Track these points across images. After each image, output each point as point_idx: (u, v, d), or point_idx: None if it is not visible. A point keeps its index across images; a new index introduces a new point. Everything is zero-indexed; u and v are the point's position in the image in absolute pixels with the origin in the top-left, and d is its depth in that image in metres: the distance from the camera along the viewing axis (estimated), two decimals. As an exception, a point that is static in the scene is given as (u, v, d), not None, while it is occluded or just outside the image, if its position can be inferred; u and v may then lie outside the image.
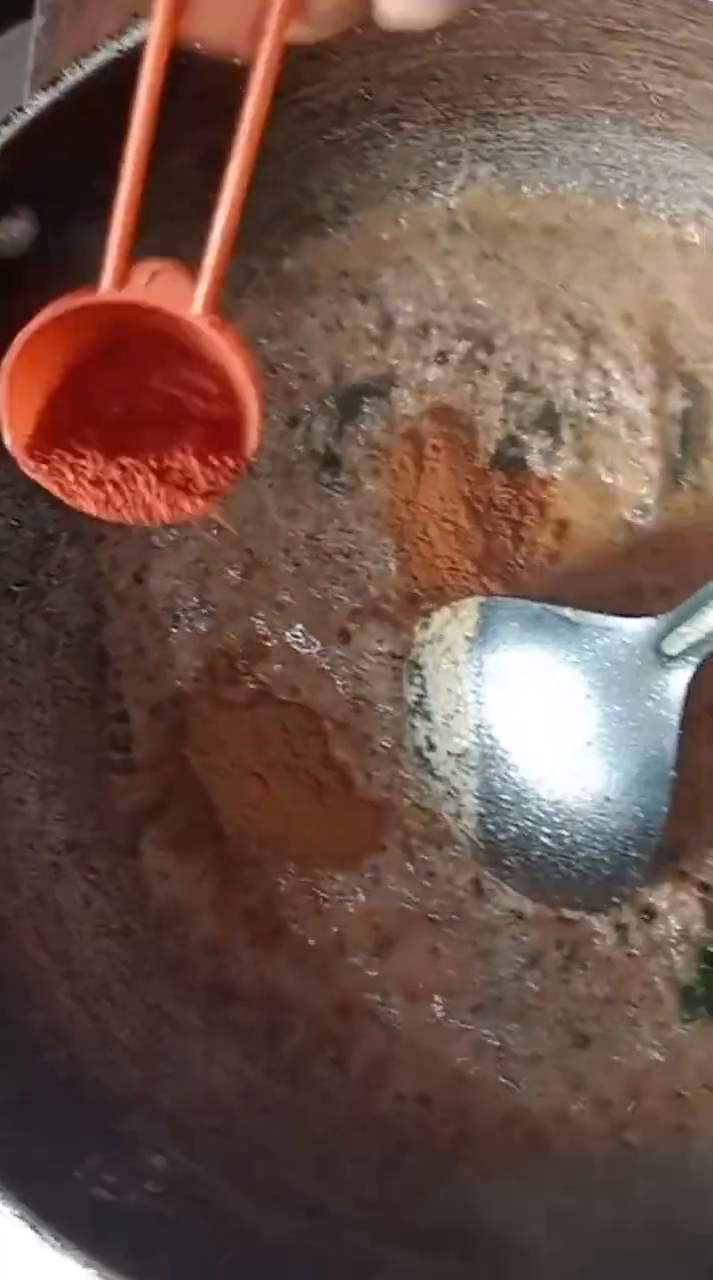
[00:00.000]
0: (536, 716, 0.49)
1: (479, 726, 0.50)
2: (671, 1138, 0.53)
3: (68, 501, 0.40)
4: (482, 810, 0.51)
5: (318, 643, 0.56)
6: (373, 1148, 0.54)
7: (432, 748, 0.52)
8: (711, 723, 0.53)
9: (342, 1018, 0.55)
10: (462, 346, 0.55)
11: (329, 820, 0.56)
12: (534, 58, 0.49)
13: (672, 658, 0.47)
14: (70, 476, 0.40)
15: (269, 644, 0.56)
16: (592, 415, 0.55)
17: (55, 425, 0.40)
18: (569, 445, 0.55)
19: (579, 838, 0.50)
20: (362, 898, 0.56)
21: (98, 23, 0.60)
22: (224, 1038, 0.55)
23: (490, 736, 0.50)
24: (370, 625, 0.55)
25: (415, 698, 0.53)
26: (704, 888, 0.53)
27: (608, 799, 0.48)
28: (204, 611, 0.57)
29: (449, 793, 0.52)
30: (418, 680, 0.52)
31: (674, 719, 0.47)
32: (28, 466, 0.39)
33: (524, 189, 0.55)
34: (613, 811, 0.49)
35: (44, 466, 0.39)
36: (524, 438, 0.55)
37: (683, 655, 0.47)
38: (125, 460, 0.40)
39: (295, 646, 0.56)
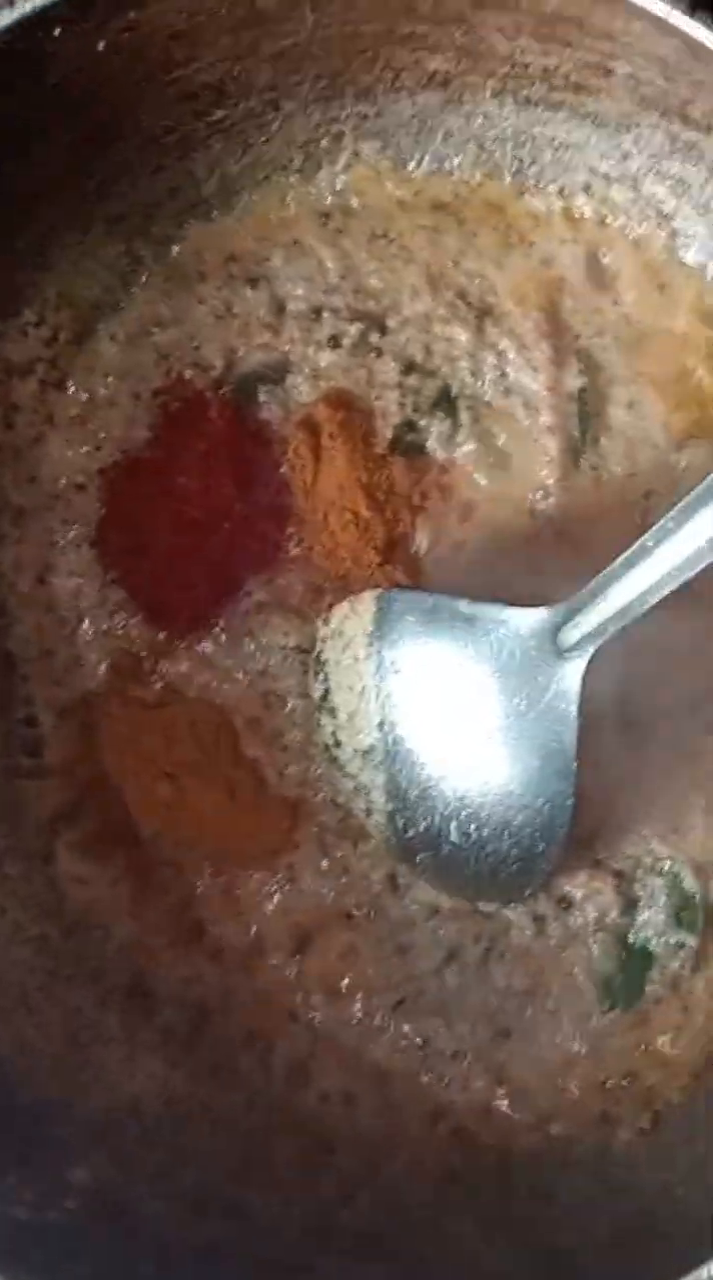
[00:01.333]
0: (437, 711, 0.49)
1: (382, 723, 0.49)
2: (594, 1128, 0.52)
3: None
4: (390, 807, 0.50)
5: (224, 638, 0.54)
6: (298, 1149, 0.54)
7: (339, 744, 0.51)
8: (615, 707, 0.52)
9: (263, 1018, 0.55)
10: (355, 329, 0.54)
11: (243, 819, 0.55)
12: (409, 31, 0.48)
13: (568, 649, 0.46)
14: None
15: (176, 641, 0.55)
16: (489, 396, 0.53)
17: None
18: (468, 428, 0.53)
19: (486, 832, 0.49)
20: (279, 896, 0.55)
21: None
22: (146, 1043, 0.54)
23: (394, 732, 0.49)
24: (275, 619, 0.54)
25: (321, 694, 0.52)
26: (619, 875, 0.52)
27: (512, 792, 0.48)
28: (109, 610, 0.55)
29: (358, 789, 0.51)
30: (322, 676, 0.51)
31: (573, 710, 0.46)
32: None
33: (410, 166, 0.54)
34: (518, 805, 0.48)
35: None
36: (422, 422, 0.54)
37: (578, 646, 0.46)
38: None
39: (202, 644, 0.54)
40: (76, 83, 0.47)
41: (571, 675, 0.46)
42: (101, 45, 0.46)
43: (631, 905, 0.52)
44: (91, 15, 0.44)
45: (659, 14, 0.40)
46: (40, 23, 0.44)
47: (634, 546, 0.43)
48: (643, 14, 0.41)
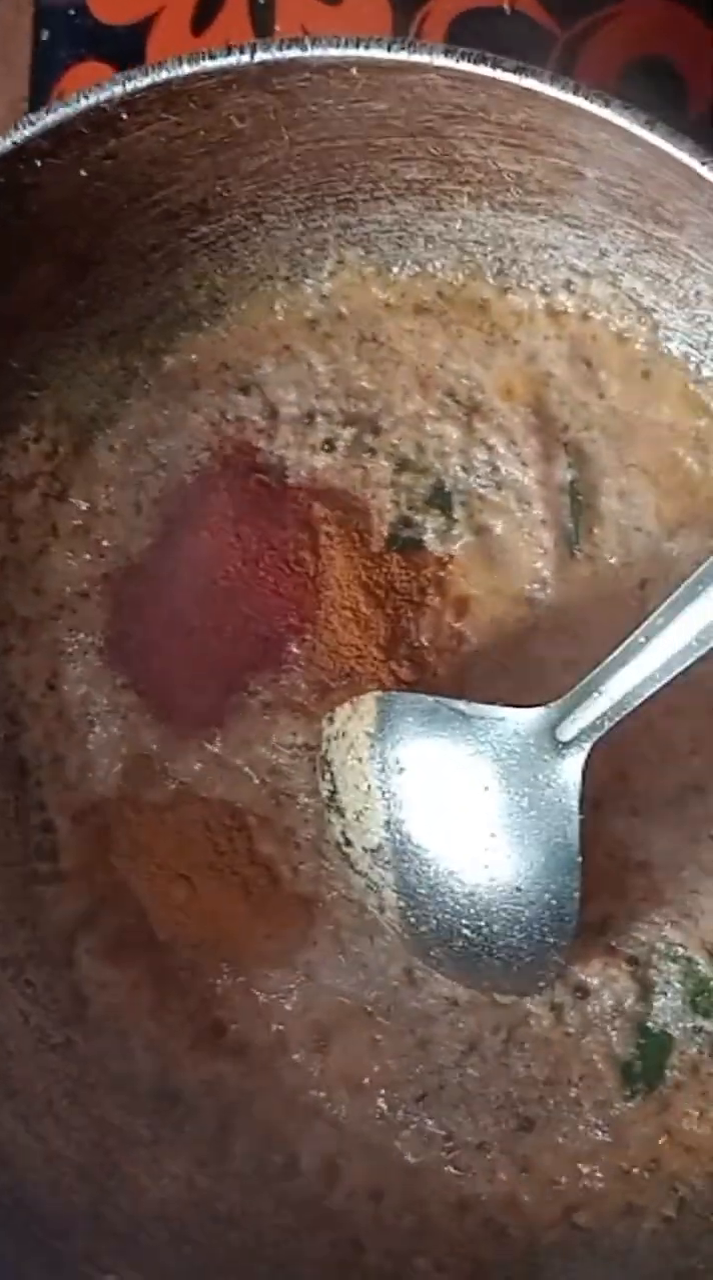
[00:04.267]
0: (441, 810, 0.49)
1: (389, 822, 0.50)
2: (620, 1218, 0.52)
3: None
4: (401, 903, 0.51)
5: (234, 738, 0.55)
6: (328, 1248, 0.54)
7: (349, 843, 0.52)
8: (621, 792, 0.52)
9: (289, 1116, 0.55)
10: (348, 432, 0.55)
11: (258, 918, 0.55)
12: (383, 144, 0.49)
13: (566, 744, 0.47)
14: None
15: (186, 741, 0.56)
16: (481, 491, 0.54)
17: None
18: (463, 522, 0.54)
19: (497, 927, 0.49)
20: (298, 994, 0.55)
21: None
22: (172, 1146, 0.55)
23: (401, 831, 0.50)
24: (282, 717, 0.55)
25: (328, 793, 0.52)
26: (633, 961, 0.53)
27: (519, 889, 0.48)
28: (119, 714, 0.56)
29: (370, 886, 0.52)
30: (328, 776, 0.52)
31: (574, 805, 0.47)
32: None
33: (394, 270, 0.55)
34: (525, 901, 0.48)
35: None
36: (417, 518, 0.55)
37: (576, 741, 0.46)
38: None
39: (213, 744, 0.55)
40: (59, 210, 0.48)
41: (570, 770, 0.46)
42: (83, 173, 0.47)
43: (647, 991, 0.52)
44: (72, 147, 0.45)
45: (623, 124, 0.41)
46: (20, 156, 0.45)
47: (627, 642, 0.44)
48: (606, 125, 0.41)
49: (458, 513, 0.54)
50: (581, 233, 0.51)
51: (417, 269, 0.55)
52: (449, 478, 0.55)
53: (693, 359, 0.53)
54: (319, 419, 0.55)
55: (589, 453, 0.53)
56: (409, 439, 0.55)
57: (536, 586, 0.54)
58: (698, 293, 0.50)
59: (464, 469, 0.54)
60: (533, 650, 0.53)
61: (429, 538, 0.55)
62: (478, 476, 0.54)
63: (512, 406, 0.54)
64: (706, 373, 0.53)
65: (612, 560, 0.53)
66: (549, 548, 0.53)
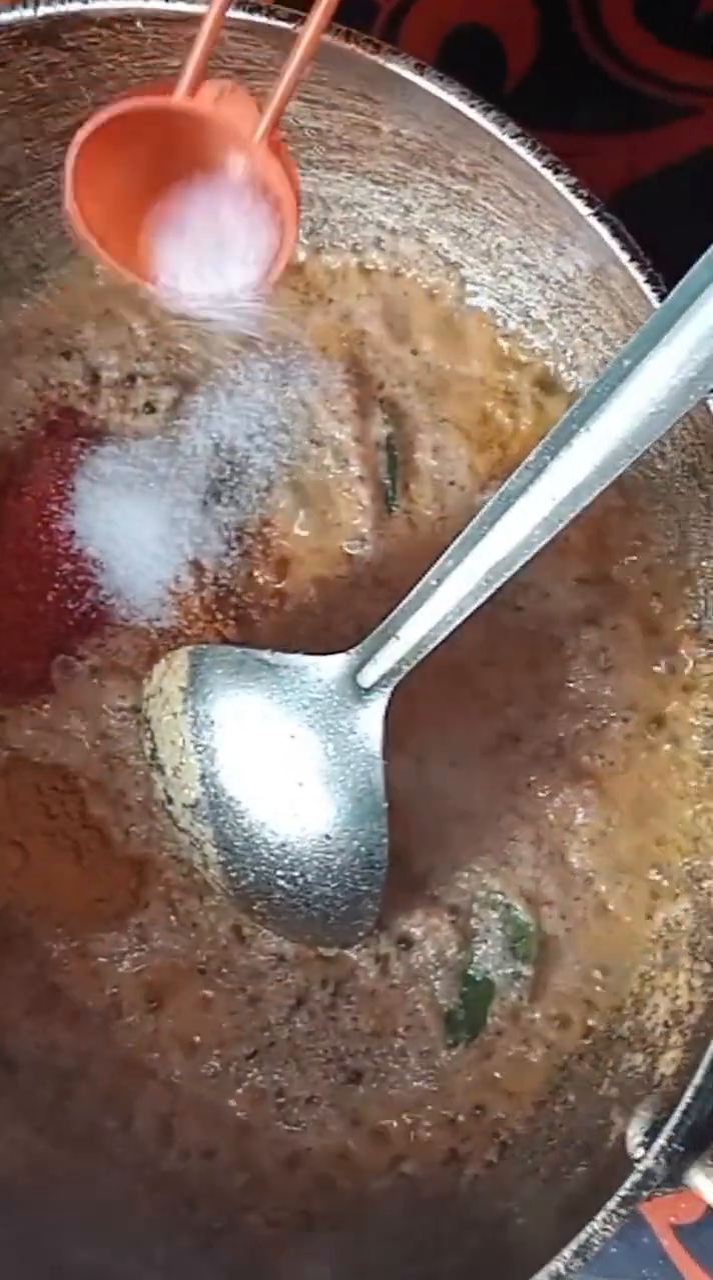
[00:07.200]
0: (253, 761, 0.49)
1: (203, 776, 0.50)
2: (444, 1166, 0.52)
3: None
4: (222, 858, 0.51)
5: (63, 703, 0.55)
6: (161, 1207, 0.54)
7: (170, 800, 0.52)
8: (440, 744, 0.52)
9: (123, 1078, 0.55)
10: (168, 395, 0.55)
11: (91, 881, 0.55)
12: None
13: (367, 690, 0.47)
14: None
15: (16, 708, 0.56)
16: (300, 450, 0.54)
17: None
18: (282, 483, 0.54)
19: (310, 877, 0.49)
20: (131, 956, 0.55)
21: None
22: (9, 1112, 0.55)
23: (215, 785, 0.50)
24: (110, 681, 0.55)
25: (149, 751, 0.52)
26: (454, 910, 0.53)
27: (328, 836, 0.48)
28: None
29: (193, 844, 0.52)
30: (149, 734, 0.52)
31: (377, 750, 0.47)
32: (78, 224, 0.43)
33: (209, 232, 0.55)
34: (335, 849, 0.48)
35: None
36: (236, 480, 0.55)
37: (377, 686, 0.47)
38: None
39: (42, 709, 0.55)
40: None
41: (372, 715, 0.47)
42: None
43: (468, 940, 0.53)
44: None
45: (395, 69, 0.41)
46: None
47: (420, 585, 0.44)
48: (383, 72, 0.42)
49: (277, 472, 0.54)
50: (385, 189, 0.52)
51: (230, 230, 0.55)
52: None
53: (500, 314, 0.54)
54: (140, 382, 0.55)
55: (404, 409, 0.54)
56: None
57: (355, 543, 0.54)
58: (499, 245, 0.51)
59: (282, 430, 0.55)
60: (355, 606, 0.54)
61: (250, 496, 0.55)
62: (296, 435, 0.54)
63: (328, 364, 0.54)
64: (512, 326, 0.54)
65: (428, 514, 0.54)
66: (367, 504, 0.54)
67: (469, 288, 0.53)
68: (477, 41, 0.60)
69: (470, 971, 0.53)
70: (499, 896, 0.53)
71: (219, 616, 0.55)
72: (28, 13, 0.44)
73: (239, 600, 0.54)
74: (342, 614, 0.54)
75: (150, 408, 0.55)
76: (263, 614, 0.54)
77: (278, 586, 0.54)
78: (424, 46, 0.60)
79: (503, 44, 0.59)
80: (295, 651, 0.49)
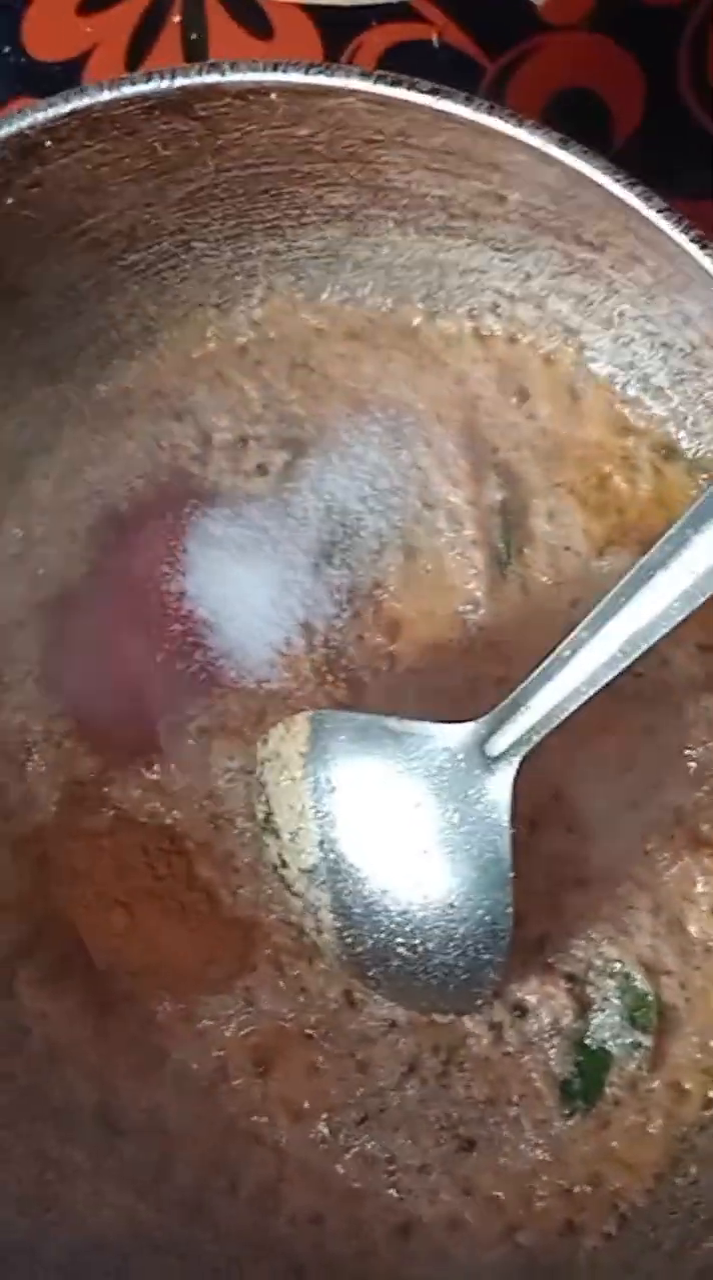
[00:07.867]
0: (374, 828, 0.49)
1: (322, 842, 0.50)
2: (560, 1237, 0.52)
3: None
4: (338, 924, 0.51)
5: (171, 764, 0.55)
6: (269, 1275, 0.53)
7: (285, 865, 0.52)
8: (557, 811, 0.52)
9: (229, 1143, 0.55)
10: (280, 457, 0.55)
11: (197, 943, 0.55)
12: (308, 170, 0.49)
13: (495, 759, 0.47)
14: None
15: (124, 768, 0.56)
16: (413, 512, 0.54)
17: None
18: (394, 544, 0.54)
19: (431, 945, 0.49)
20: (238, 1019, 0.55)
21: None
22: (113, 1176, 0.54)
23: (335, 851, 0.50)
24: (218, 742, 0.55)
25: (263, 815, 0.52)
26: (570, 978, 0.53)
27: (452, 905, 0.48)
28: (55, 742, 0.56)
29: (306, 908, 0.52)
30: (263, 798, 0.52)
31: (504, 820, 0.47)
32: None
33: (324, 295, 0.55)
34: (459, 918, 0.48)
35: None
36: (349, 540, 0.55)
37: (505, 755, 0.47)
38: None
39: (150, 770, 0.55)
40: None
41: (500, 785, 0.46)
42: (9, 201, 0.47)
43: (584, 1008, 0.52)
44: (-4, 174, 0.46)
45: (537, 144, 0.42)
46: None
47: (552, 656, 0.44)
48: (522, 146, 0.42)
49: (389, 534, 0.54)
50: (505, 256, 0.52)
51: (346, 294, 0.55)
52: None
53: (618, 379, 0.54)
54: (252, 444, 0.55)
55: (519, 473, 0.54)
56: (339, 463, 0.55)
57: (468, 607, 0.54)
58: (621, 313, 0.51)
59: (395, 492, 0.55)
60: (466, 670, 0.54)
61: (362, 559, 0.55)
62: (408, 498, 0.54)
63: (442, 429, 0.54)
64: (631, 392, 0.54)
65: (543, 579, 0.54)
66: (481, 568, 0.54)
67: (588, 354, 0.53)
68: (582, 105, 0.60)
69: (587, 1041, 0.52)
70: (618, 965, 0.52)
71: (329, 678, 0.54)
72: (163, 84, 0.45)
73: (350, 662, 0.54)
74: (453, 677, 0.54)
75: (262, 470, 0.55)
76: (374, 676, 0.54)
77: (389, 649, 0.54)
78: (528, 108, 0.60)
79: (609, 108, 0.60)
80: (407, 715, 0.49)
